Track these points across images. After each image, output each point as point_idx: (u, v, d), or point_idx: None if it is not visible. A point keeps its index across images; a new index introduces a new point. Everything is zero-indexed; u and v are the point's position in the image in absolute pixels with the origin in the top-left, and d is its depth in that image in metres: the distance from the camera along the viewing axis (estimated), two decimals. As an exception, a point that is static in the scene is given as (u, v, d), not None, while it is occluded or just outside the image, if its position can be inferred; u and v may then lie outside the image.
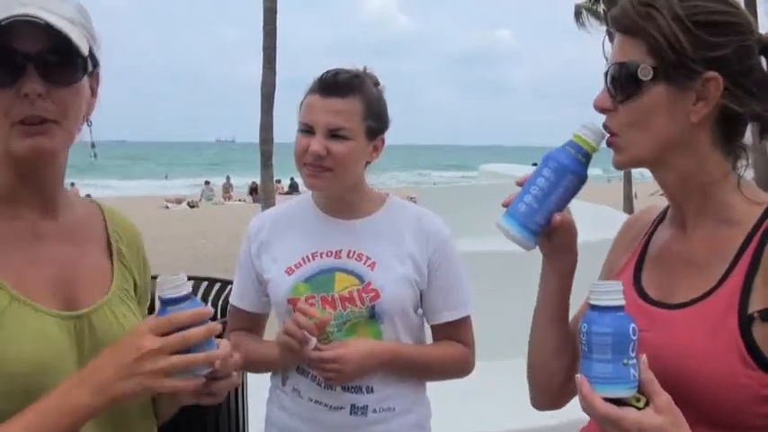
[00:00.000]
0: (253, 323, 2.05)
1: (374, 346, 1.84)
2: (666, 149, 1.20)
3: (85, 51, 1.16)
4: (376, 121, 1.89)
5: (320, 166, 1.83)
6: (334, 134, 1.82)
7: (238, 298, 2.04)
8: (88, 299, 1.24)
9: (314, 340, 1.77)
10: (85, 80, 1.20)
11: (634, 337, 1.04)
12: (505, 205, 1.27)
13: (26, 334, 1.12)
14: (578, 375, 1.06)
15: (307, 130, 1.84)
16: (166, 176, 50.26)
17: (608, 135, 1.24)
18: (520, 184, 1.28)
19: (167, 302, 1.08)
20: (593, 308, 1.06)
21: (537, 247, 1.32)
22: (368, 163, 1.93)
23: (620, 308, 1.05)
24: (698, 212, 1.23)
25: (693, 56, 1.15)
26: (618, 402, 1.02)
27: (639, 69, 1.17)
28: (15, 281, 1.15)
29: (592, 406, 1.03)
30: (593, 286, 1.08)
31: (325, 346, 1.78)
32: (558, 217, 1.25)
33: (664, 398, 1.02)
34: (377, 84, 1.92)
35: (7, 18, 1.08)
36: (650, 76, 1.17)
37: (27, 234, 1.21)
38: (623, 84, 1.19)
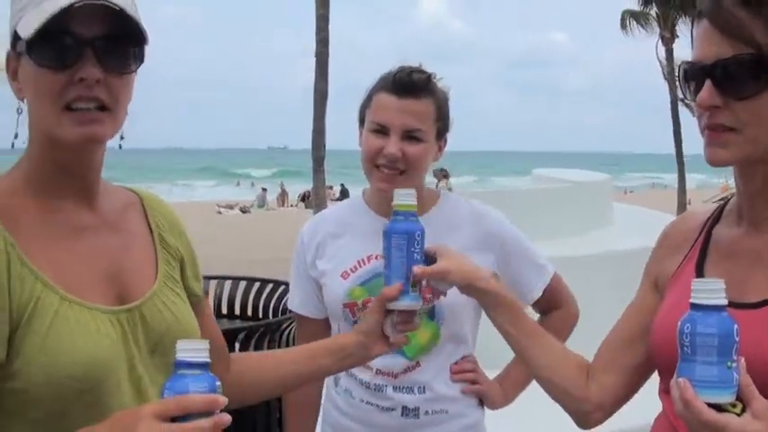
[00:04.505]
0: (322, 328, 1.98)
1: (508, 380, 1.95)
2: None
3: (146, 41, 1.15)
4: (444, 123, 1.89)
5: (394, 169, 1.81)
6: (409, 135, 1.81)
7: (301, 306, 2.00)
8: (138, 290, 1.21)
9: None
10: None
11: (737, 339, 0.98)
12: None
13: (81, 335, 1.09)
14: (680, 379, 1.00)
15: (380, 130, 1.82)
16: (238, 183, 50.47)
17: (708, 131, 1.16)
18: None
19: (180, 365, 1.01)
20: (696, 307, 1.01)
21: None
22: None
23: (723, 307, 1.00)
24: None
25: None
26: (716, 408, 0.97)
27: None
28: (65, 280, 1.11)
29: (697, 412, 0.96)
30: (695, 284, 1.02)
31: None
32: (416, 270, 1.40)
33: (762, 403, 0.97)
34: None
35: (80, 1, 1.05)
36: None
37: (68, 228, 1.17)
38: (748, 77, 1.11)
